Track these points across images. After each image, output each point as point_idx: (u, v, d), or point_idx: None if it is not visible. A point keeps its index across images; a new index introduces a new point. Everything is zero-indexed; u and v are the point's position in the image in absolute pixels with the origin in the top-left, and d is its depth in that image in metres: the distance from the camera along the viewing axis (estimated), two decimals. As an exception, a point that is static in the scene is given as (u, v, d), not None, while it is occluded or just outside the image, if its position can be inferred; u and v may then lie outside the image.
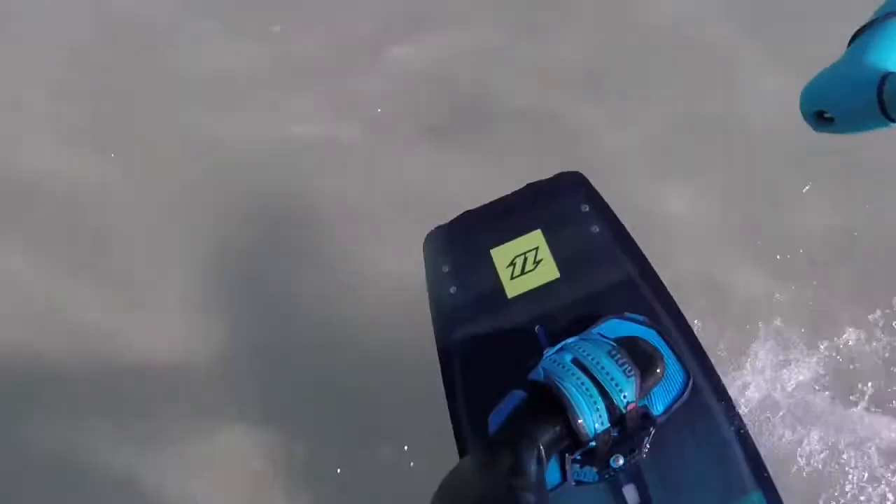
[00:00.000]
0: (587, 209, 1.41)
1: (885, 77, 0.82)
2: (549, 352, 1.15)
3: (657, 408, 1.15)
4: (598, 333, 1.18)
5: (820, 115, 0.91)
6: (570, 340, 1.16)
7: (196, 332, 2.17)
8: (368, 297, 2.12)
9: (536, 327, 1.29)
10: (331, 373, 2.02)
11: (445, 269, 1.40)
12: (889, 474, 1.70)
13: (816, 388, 1.85)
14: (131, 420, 2.02)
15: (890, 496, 1.68)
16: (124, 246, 2.37)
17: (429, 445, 1.48)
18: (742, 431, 1.17)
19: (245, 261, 2.31)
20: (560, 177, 1.48)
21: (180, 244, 2.34)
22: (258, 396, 2.04)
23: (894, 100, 0.81)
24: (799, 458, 1.73)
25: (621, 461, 1.13)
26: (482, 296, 1.36)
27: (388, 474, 1.85)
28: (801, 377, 1.86)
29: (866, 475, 1.70)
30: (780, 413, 1.80)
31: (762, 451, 1.16)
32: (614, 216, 1.40)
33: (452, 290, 1.38)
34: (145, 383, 2.08)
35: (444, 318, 1.36)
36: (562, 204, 1.43)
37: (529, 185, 1.47)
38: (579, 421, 1.05)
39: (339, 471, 1.88)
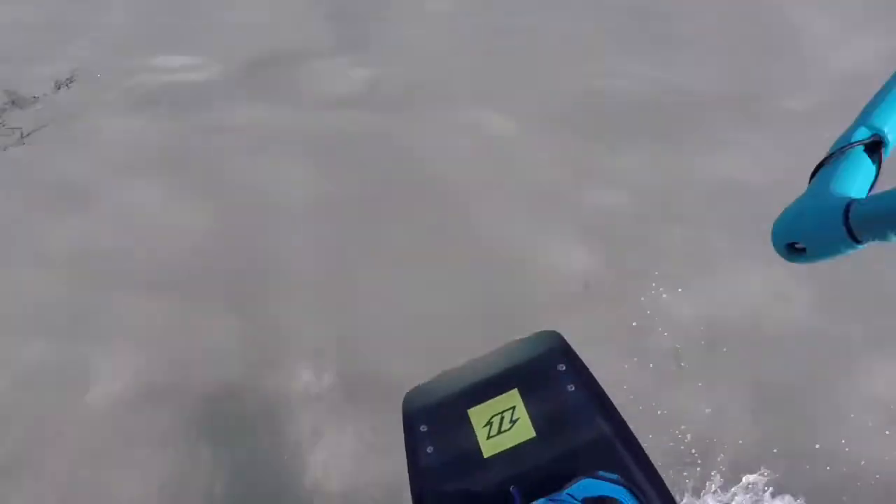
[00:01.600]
0: (563, 368, 1.42)
1: (850, 204, 0.86)
2: (520, 513, 1.13)
3: None
4: (568, 494, 1.16)
5: (791, 247, 0.94)
6: (538, 502, 1.14)
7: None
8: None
9: (511, 487, 1.27)
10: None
11: (423, 428, 1.41)
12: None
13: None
14: None
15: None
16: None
17: None
18: None
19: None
20: (537, 336, 1.51)
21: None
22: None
23: (861, 224, 0.85)
24: None
25: None
26: (459, 455, 1.35)
27: None
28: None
29: None
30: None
31: None
32: (590, 375, 1.41)
33: (429, 449, 1.38)
34: None
35: (421, 477, 1.35)
36: (538, 363, 1.45)
37: (507, 345, 1.50)
38: None
39: None
